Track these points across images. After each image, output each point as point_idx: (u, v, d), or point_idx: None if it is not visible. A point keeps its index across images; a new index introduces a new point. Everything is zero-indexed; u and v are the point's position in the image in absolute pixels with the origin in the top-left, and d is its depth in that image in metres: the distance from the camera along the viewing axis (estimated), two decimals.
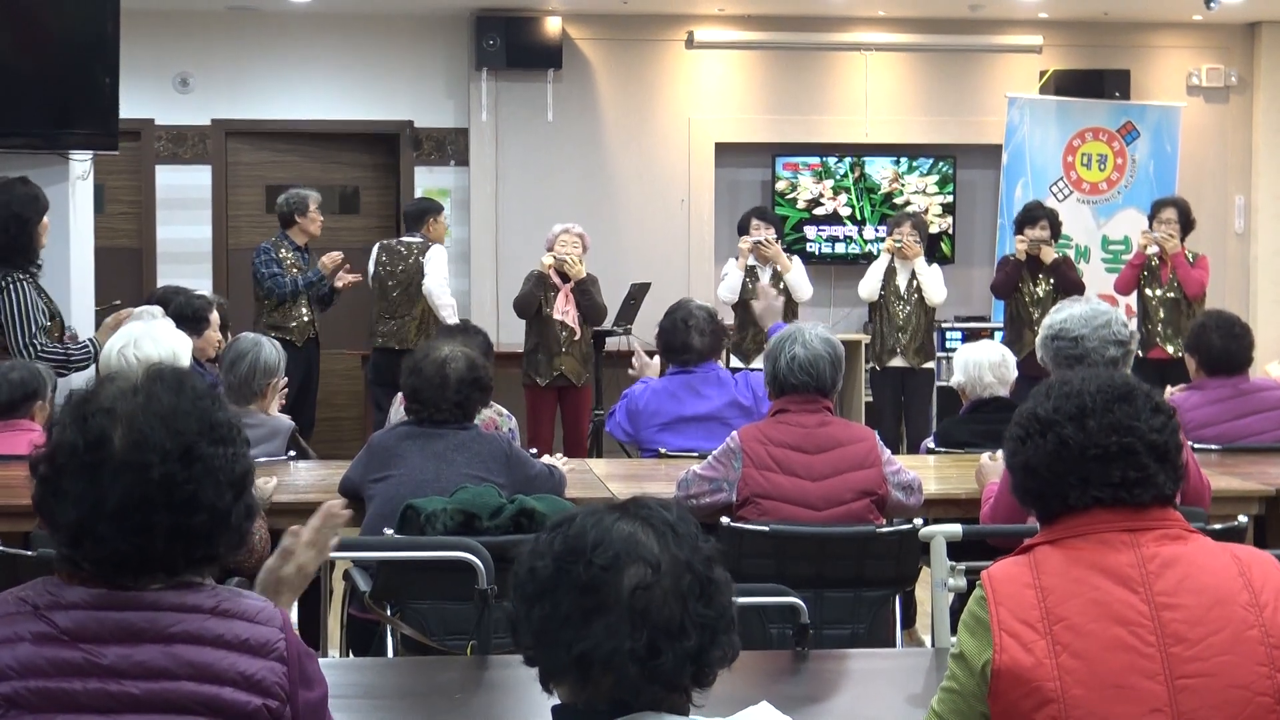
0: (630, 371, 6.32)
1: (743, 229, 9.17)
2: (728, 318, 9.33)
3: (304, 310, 8.84)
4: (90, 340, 6.26)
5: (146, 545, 2.16)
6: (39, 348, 6.11)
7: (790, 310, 8.89)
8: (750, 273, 9.02)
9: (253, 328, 8.74)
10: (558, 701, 2.00)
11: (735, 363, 9.07)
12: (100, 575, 2.18)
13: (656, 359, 6.43)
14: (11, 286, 6.14)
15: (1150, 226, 9.02)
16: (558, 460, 5.22)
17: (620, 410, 6.04)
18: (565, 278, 8.47)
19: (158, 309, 6.06)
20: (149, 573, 2.18)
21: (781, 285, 8.97)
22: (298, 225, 8.93)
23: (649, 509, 2.01)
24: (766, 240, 8.97)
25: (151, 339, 4.65)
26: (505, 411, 5.79)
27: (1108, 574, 2.39)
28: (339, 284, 8.95)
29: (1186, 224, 8.90)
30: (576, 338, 8.54)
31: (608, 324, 9.83)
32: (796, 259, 9.25)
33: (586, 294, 8.49)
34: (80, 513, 2.15)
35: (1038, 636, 2.35)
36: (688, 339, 5.96)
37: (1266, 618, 2.36)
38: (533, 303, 8.47)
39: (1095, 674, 2.32)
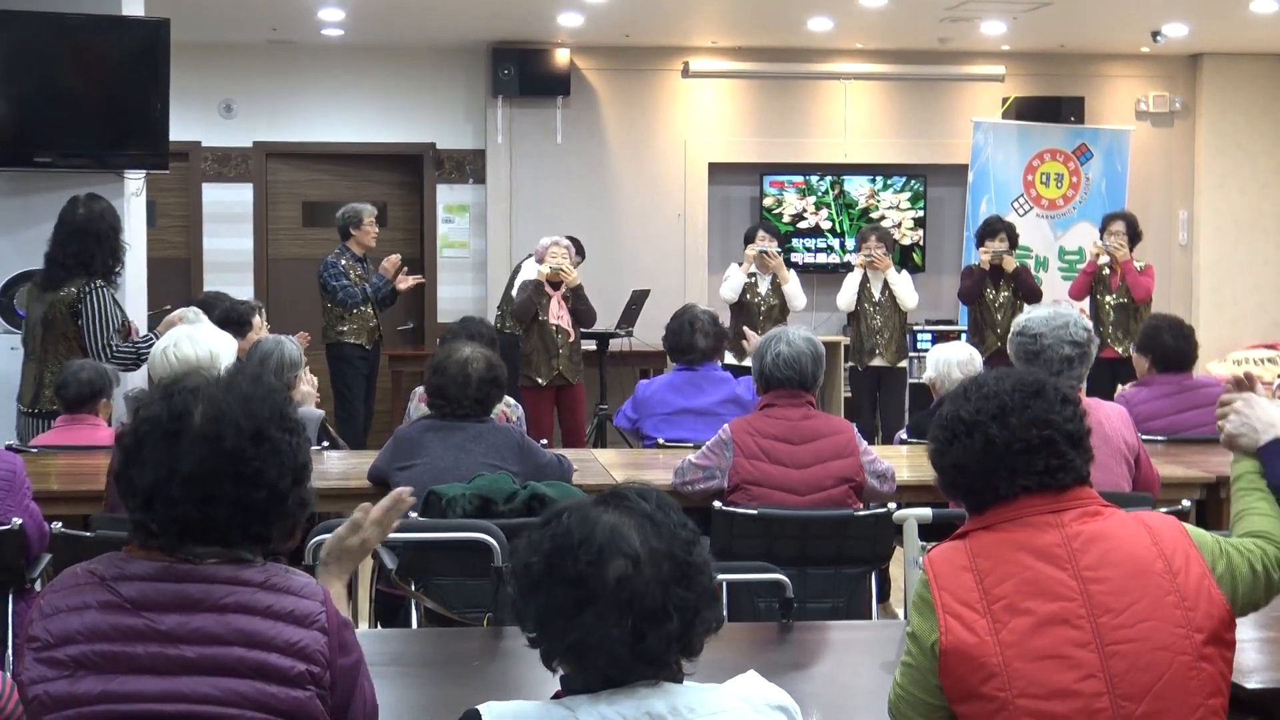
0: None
1: (749, 238, 9.16)
2: (725, 316, 9.33)
3: (370, 315, 8.83)
4: (153, 334, 6.22)
5: (210, 512, 2.18)
6: (114, 349, 6.09)
7: (783, 318, 8.89)
8: (750, 279, 9.01)
9: (323, 337, 8.78)
10: (563, 673, 2.01)
11: (730, 359, 9.05)
12: (165, 540, 2.20)
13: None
14: (92, 293, 6.11)
15: (1101, 238, 9.03)
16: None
17: (628, 403, 6.05)
18: (555, 285, 8.42)
19: (199, 311, 6.05)
20: (209, 541, 2.20)
21: (778, 294, 8.96)
22: (354, 237, 8.87)
23: (629, 500, 2.00)
24: (770, 251, 8.95)
25: (191, 340, 4.63)
26: (512, 402, 5.78)
27: (1038, 554, 2.39)
28: (401, 286, 8.91)
29: (1134, 236, 8.92)
30: (571, 340, 8.50)
31: (611, 326, 9.83)
32: (794, 273, 9.23)
33: (581, 300, 8.44)
34: (156, 476, 2.18)
35: (978, 616, 2.35)
36: (692, 339, 5.96)
37: (1180, 582, 2.38)
38: (531, 309, 8.41)
39: (1034, 647, 2.33)
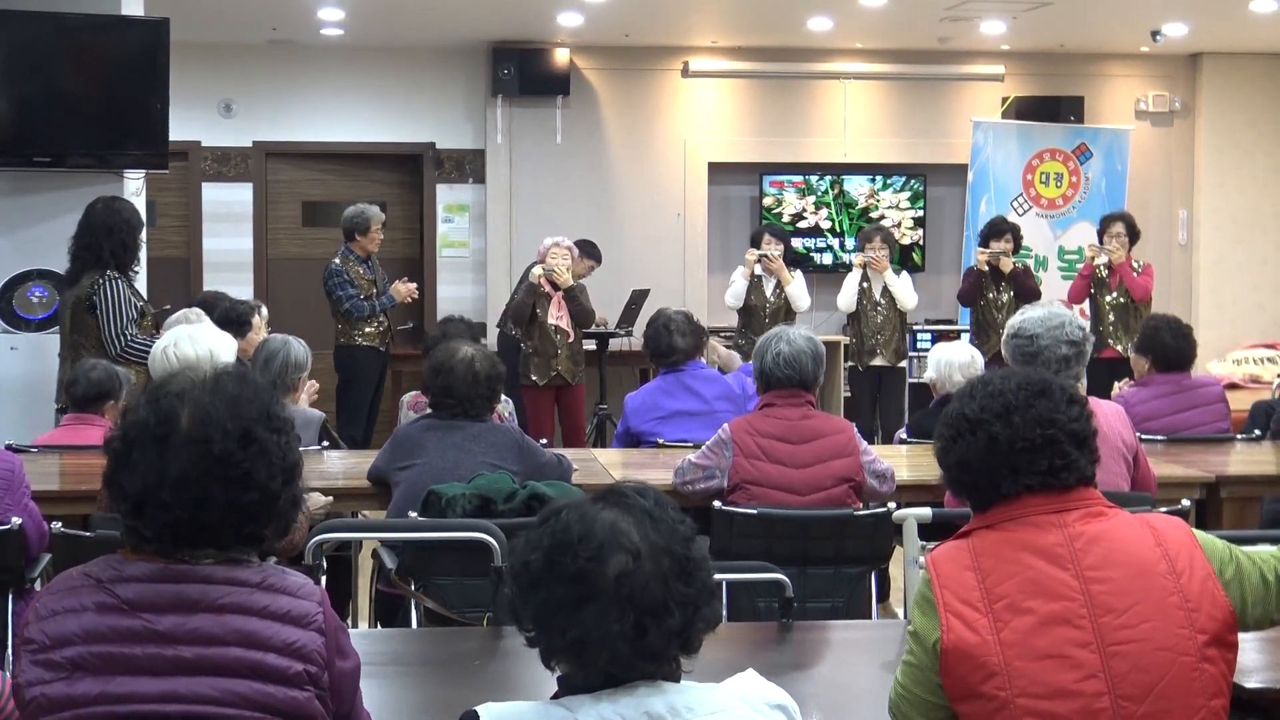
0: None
1: (755, 242, 9.15)
2: (720, 321, 9.33)
3: (382, 317, 8.82)
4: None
5: (201, 516, 2.17)
6: (129, 339, 6.12)
7: (788, 319, 8.89)
8: (755, 282, 9.01)
9: (335, 343, 8.76)
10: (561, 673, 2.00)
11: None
12: (158, 544, 2.19)
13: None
14: (107, 284, 6.16)
15: (1101, 240, 9.03)
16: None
17: (621, 420, 6.02)
18: (556, 286, 8.41)
19: (199, 311, 6.05)
20: (201, 544, 2.19)
21: (782, 295, 8.96)
22: (359, 241, 8.80)
23: (628, 497, 1.99)
24: (771, 255, 8.94)
25: (190, 340, 4.63)
26: (504, 398, 5.77)
27: (1040, 554, 2.39)
28: (400, 300, 8.94)
29: (1133, 235, 8.92)
30: (570, 340, 8.49)
31: (611, 326, 9.83)
32: (799, 273, 9.22)
33: (576, 300, 8.42)
34: (146, 481, 2.17)
35: (980, 615, 2.35)
36: (672, 341, 5.94)
37: (1183, 584, 2.37)
38: (525, 309, 8.40)
39: (1035, 646, 2.32)
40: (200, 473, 2.16)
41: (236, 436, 2.18)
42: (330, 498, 4.65)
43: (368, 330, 8.71)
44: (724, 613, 4.13)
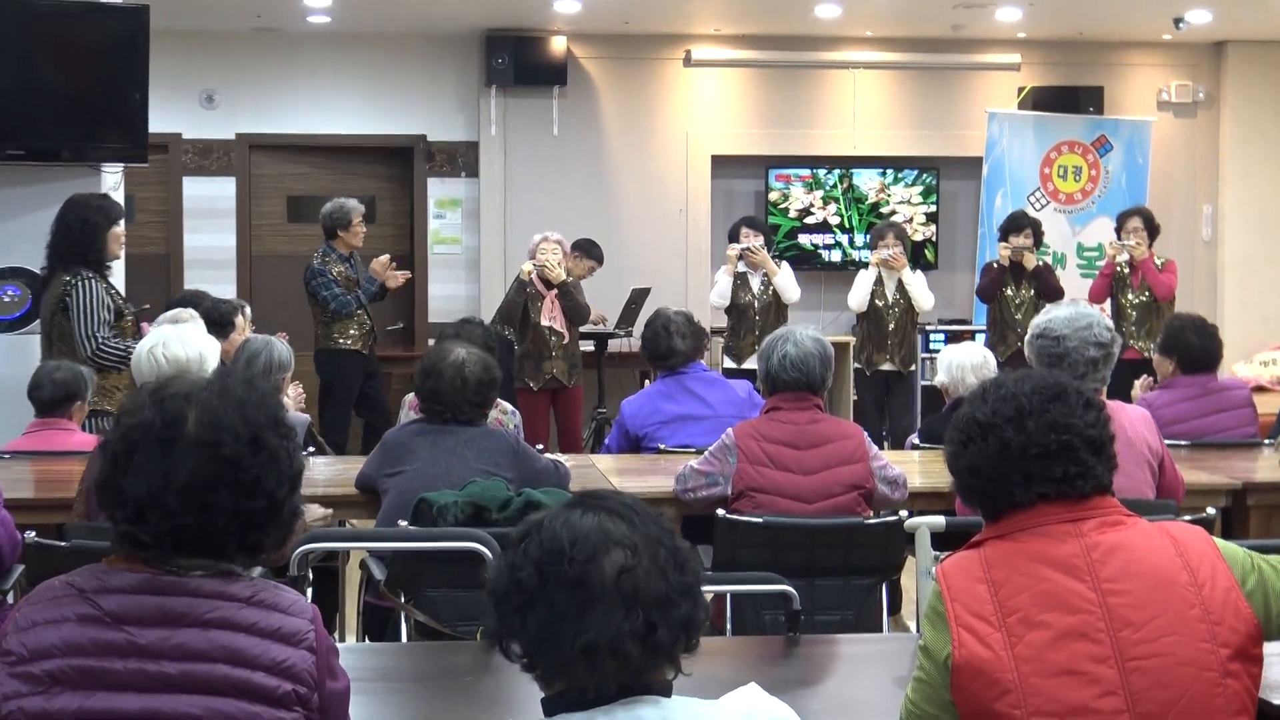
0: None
1: (733, 237, 9.15)
2: (721, 321, 9.32)
3: (364, 318, 8.79)
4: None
5: (207, 522, 2.17)
6: (99, 341, 6.12)
7: (780, 313, 8.88)
8: (740, 278, 9.00)
9: (315, 344, 8.74)
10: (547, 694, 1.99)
11: (728, 363, 9.05)
12: (158, 551, 2.18)
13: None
14: (78, 284, 6.18)
15: (1118, 236, 9.02)
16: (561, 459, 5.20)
17: (613, 433, 6.01)
18: (548, 283, 8.40)
19: (191, 311, 6.05)
20: (202, 552, 2.19)
21: (771, 289, 8.95)
22: (341, 238, 8.75)
23: (604, 499, 2.02)
24: (753, 248, 8.93)
25: (180, 341, 4.62)
26: (509, 409, 5.77)
27: (1055, 565, 2.38)
28: (391, 285, 8.86)
29: (1152, 231, 8.90)
30: (565, 341, 8.47)
31: (610, 326, 9.83)
32: (785, 263, 9.21)
33: (569, 296, 8.41)
34: (151, 486, 2.16)
35: (993, 629, 2.34)
36: (671, 344, 5.93)
37: (1205, 595, 2.36)
38: (516, 309, 8.37)
39: (1050, 662, 2.32)
40: (208, 477, 2.16)
41: (246, 441, 2.19)
42: (329, 511, 4.59)
43: (350, 333, 8.68)
44: (729, 626, 4.14)
